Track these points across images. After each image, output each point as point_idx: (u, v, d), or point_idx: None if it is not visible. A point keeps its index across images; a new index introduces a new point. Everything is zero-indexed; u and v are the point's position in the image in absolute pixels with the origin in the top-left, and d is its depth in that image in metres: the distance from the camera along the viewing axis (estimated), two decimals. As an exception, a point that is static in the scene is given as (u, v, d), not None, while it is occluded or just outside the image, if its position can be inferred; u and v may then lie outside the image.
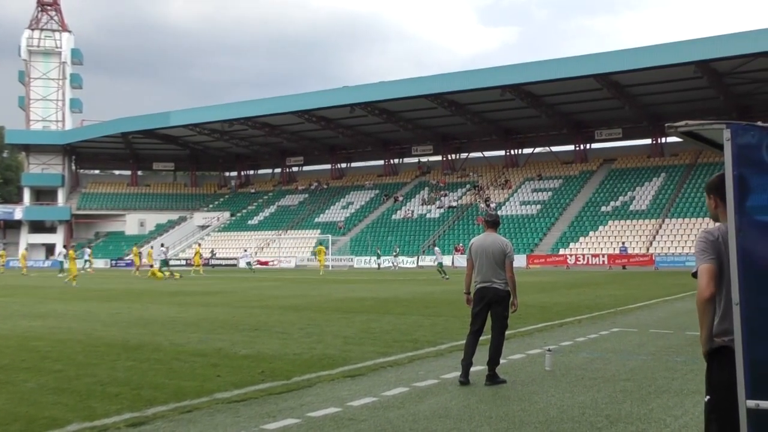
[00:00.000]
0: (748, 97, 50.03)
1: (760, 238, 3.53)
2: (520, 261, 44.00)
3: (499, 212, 55.05)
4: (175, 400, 6.73)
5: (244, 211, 70.30)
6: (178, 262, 56.59)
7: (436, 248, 37.76)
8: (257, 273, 43.23)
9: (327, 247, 45.67)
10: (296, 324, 13.30)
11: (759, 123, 3.52)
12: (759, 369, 3.47)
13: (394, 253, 49.74)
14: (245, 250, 56.33)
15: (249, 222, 67.23)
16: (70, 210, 71.99)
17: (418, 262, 50.96)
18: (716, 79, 45.85)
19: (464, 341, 8.00)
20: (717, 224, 3.65)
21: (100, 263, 58.41)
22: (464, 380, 7.57)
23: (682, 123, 3.79)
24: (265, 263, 56.46)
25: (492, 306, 7.77)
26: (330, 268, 51.78)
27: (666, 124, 3.81)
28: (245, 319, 14.26)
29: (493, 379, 7.58)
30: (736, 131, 3.49)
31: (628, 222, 49.31)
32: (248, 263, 51.95)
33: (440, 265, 34.05)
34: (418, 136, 64.62)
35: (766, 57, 41.11)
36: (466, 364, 7.63)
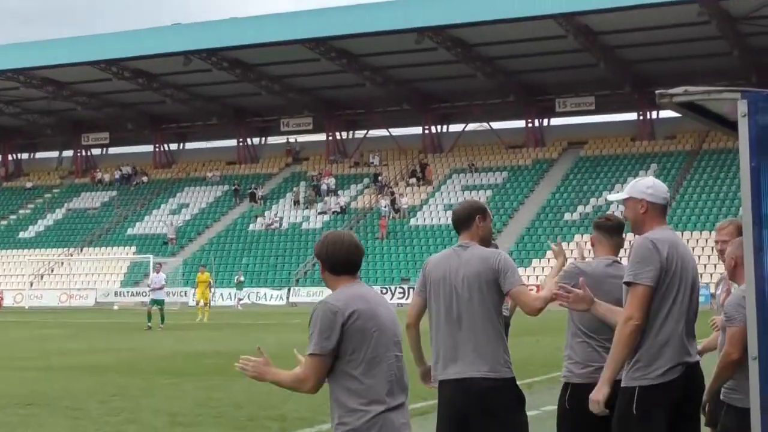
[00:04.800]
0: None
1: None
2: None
3: (413, 220, 55.73)
4: None
5: (13, 216, 68.57)
6: None
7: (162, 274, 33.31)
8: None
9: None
10: (95, 395, 13.14)
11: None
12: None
13: (237, 280, 49.46)
14: None
15: (21, 234, 65.57)
16: None
17: (288, 297, 50.85)
18: (729, 25, 47.81)
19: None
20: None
21: None
22: None
23: (680, 89, 3.88)
24: None
25: None
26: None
27: (657, 91, 3.89)
28: (13, 389, 13.95)
29: None
30: (755, 103, 3.56)
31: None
32: None
33: (157, 302, 30.35)
34: (289, 102, 64.63)
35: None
36: None
